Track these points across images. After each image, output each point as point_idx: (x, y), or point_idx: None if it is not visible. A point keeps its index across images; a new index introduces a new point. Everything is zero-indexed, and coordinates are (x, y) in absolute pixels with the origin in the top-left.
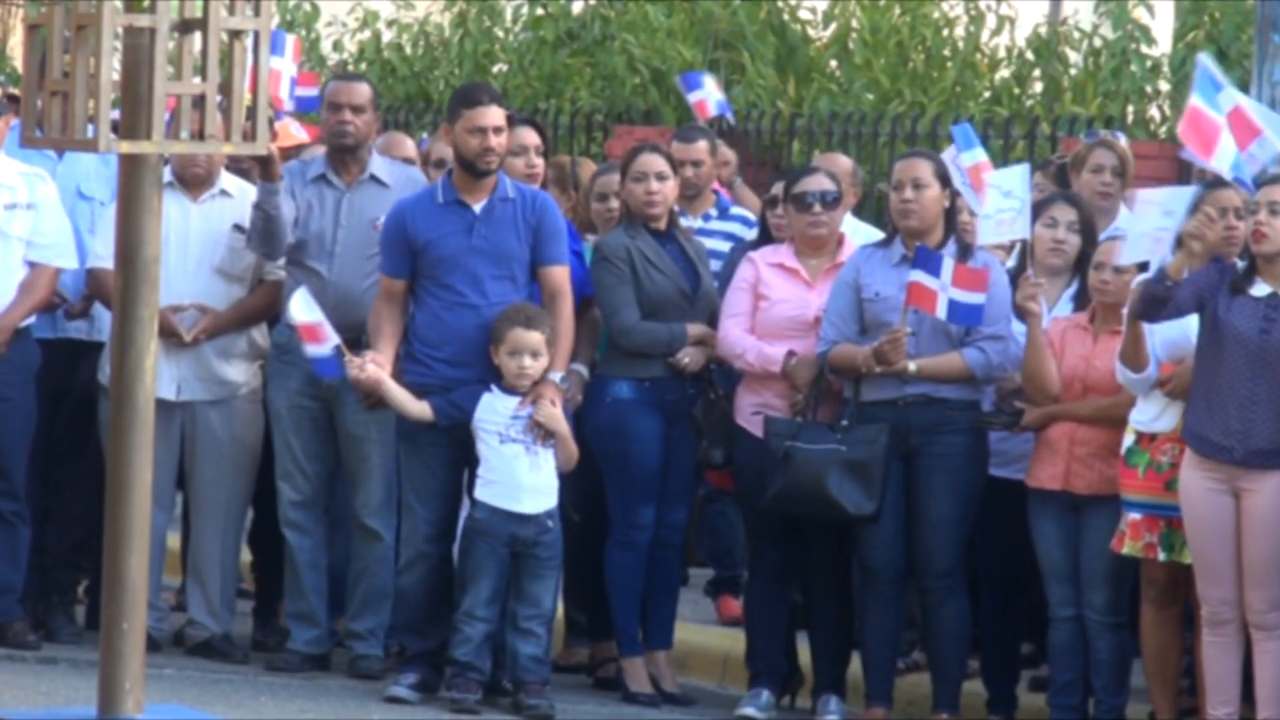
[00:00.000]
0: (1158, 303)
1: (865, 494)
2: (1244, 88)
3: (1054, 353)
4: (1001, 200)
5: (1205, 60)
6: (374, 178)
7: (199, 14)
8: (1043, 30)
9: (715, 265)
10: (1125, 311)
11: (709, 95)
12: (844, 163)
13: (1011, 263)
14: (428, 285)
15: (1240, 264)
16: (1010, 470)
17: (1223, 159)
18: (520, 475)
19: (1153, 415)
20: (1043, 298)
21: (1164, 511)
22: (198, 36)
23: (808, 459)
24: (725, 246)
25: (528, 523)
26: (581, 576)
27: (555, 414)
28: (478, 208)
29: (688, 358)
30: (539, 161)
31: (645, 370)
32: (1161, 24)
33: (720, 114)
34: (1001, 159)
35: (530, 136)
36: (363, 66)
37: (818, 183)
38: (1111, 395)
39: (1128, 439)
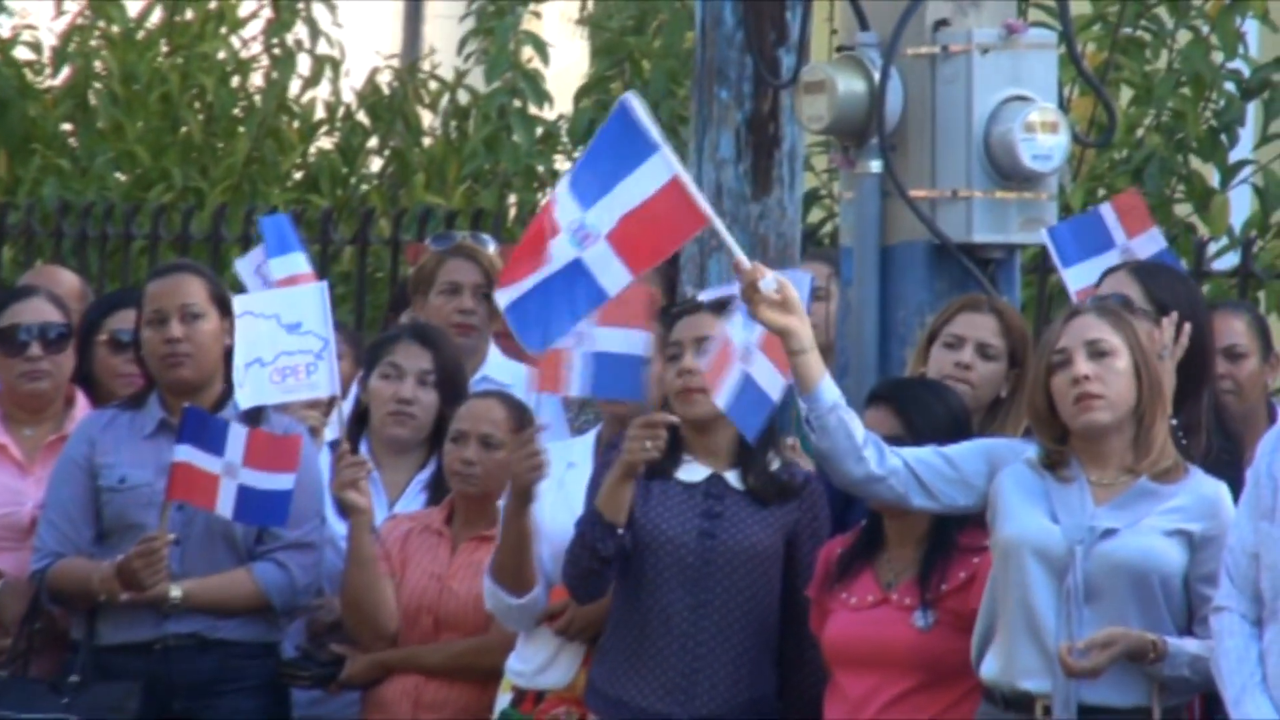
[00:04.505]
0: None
1: None
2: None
3: (391, 569)
4: (290, 338)
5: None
6: None
7: None
8: (384, 78)
9: None
10: (502, 503)
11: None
12: (69, 281)
13: (330, 436)
14: None
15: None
16: None
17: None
18: None
19: (538, 664)
20: (381, 487)
21: None
22: None
23: None
24: None
25: None
26: None
27: None
28: None
29: None
30: None
31: None
32: (560, 71)
33: None
34: (322, 271)
35: None
36: None
37: (35, 311)
38: (477, 634)
39: (502, 699)
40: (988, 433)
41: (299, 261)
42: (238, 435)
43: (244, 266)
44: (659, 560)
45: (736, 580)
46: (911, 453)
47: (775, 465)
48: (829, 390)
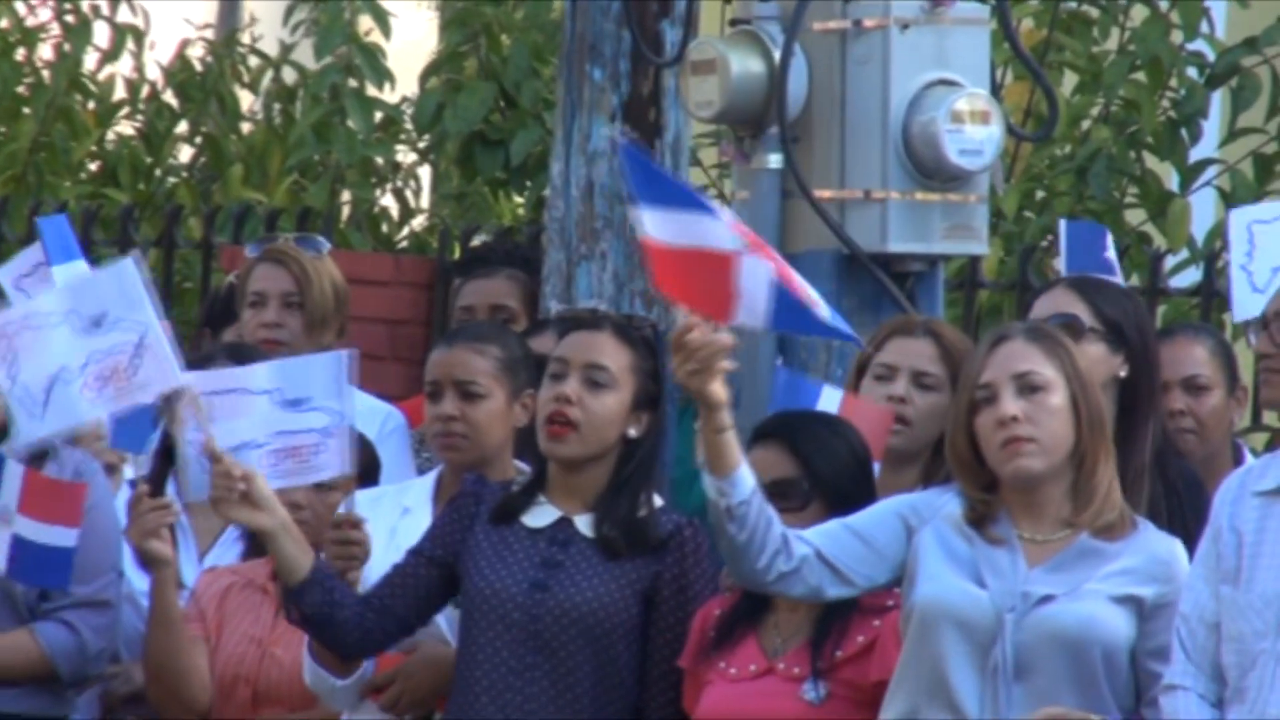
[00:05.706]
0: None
1: None
2: (543, 159)
3: (205, 630)
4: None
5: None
6: None
7: None
8: (196, 52)
9: None
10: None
11: None
12: None
13: (130, 474)
14: None
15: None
16: None
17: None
18: None
19: None
20: (190, 534)
21: None
22: None
23: None
24: None
25: None
26: None
27: None
28: None
29: None
30: None
31: None
32: (404, 47)
33: None
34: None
35: None
36: None
37: None
38: (302, 708)
39: None
40: (938, 477)
41: (83, 271)
42: (13, 475)
43: (4, 275)
44: (484, 617)
45: (569, 643)
46: (818, 534)
47: (643, 511)
48: (748, 475)
